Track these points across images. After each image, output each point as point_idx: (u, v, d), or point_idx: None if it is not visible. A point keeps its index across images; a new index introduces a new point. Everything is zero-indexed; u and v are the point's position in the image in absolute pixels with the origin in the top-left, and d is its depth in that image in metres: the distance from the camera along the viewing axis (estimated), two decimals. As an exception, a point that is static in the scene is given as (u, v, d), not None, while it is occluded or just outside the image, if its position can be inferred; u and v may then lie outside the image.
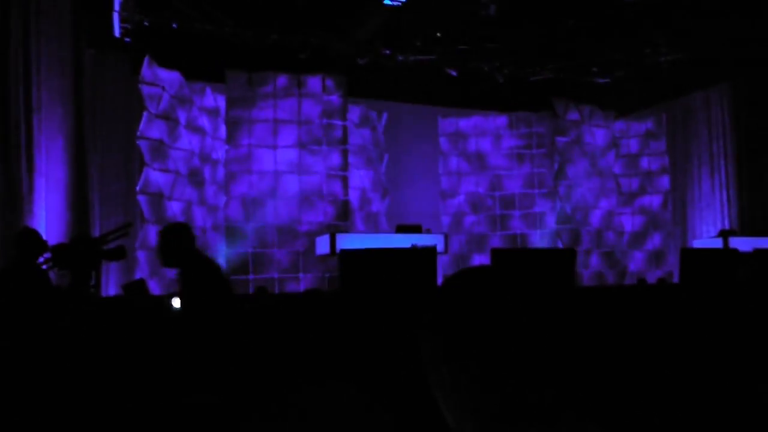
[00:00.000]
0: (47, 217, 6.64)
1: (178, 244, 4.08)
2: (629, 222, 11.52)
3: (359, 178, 10.10)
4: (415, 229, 8.89)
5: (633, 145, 11.70)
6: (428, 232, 9.12)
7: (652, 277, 10.83)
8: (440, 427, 1.03)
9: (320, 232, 8.70)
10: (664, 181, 11.41)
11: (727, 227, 10.66)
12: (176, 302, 6.47)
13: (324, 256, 8.43)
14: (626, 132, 11.76)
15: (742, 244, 8.48)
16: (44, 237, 5.93)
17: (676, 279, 10.08)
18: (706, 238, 10.37)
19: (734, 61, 10.11)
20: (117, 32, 8.38)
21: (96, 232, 7.57)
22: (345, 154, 9.28)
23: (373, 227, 10.08)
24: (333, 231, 8.39)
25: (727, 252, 8.07)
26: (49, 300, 4.10)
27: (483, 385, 0.90)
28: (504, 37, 9.82)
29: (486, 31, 9.65)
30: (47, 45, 6.92)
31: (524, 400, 0.89)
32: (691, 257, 6.97)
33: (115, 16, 8.25)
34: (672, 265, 10.95)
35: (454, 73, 10.71)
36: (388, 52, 10.15)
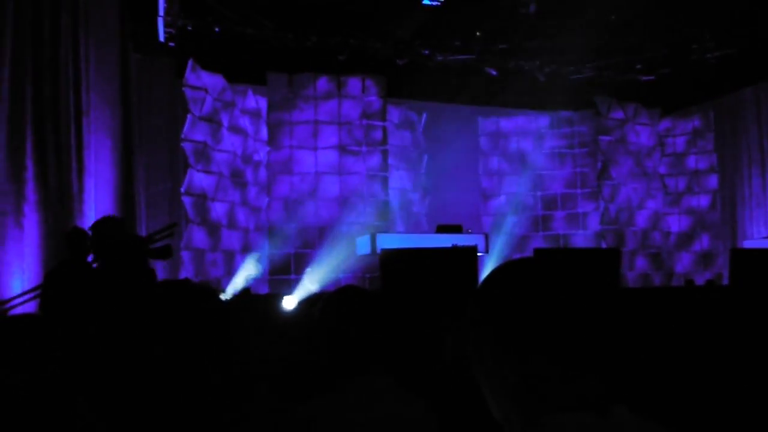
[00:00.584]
0: (96, 216, 6.81)
1: (108, 237, 4.01)
2: (676, 222, 11.25)
3: (399, 178, 10.10)
4: (456, 229, 8.84)
5: (679, 143, 11.43)
6: (469, 232, 9.06)
7: (700, 279, 10.55)
8: (485, 419, 1.02)
9: (361, 233, 8.74)
10: (713, 180, 11.11)
11: (779, 227, 10.32)
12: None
13: (365, 257, 8.45)
14: (672, 130, 11.48)
15: (796, 244, 8.19)
16: (93, 236, 6.10)
17: (725, 281, 9.80)
18: (757, 239, 10.04)
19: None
20: (162, 37, 8.57)
21: (143, 232, 7.74)
22: (385, 154, 9.30)
23: (414, 227, 10.07)
24: (373, 231, 8.41)
25: (780, 252, 7.78)
26: (98, 296, 4.21)
27: (529, 375, 0.89)
28: (544, 35, 9.70)
29: (526, 29, 9.55)
30: (95, 50, 7.12)
31: (570, 391, 0.88)
32: (742, 258, 6.75)
33: (160, 22, 8.43)
34: (721, 267, 10.64)
35: (494, 73, 10.63)
36: (427, 52, 10.12)
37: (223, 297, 7.33)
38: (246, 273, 8.44)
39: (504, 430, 0.94)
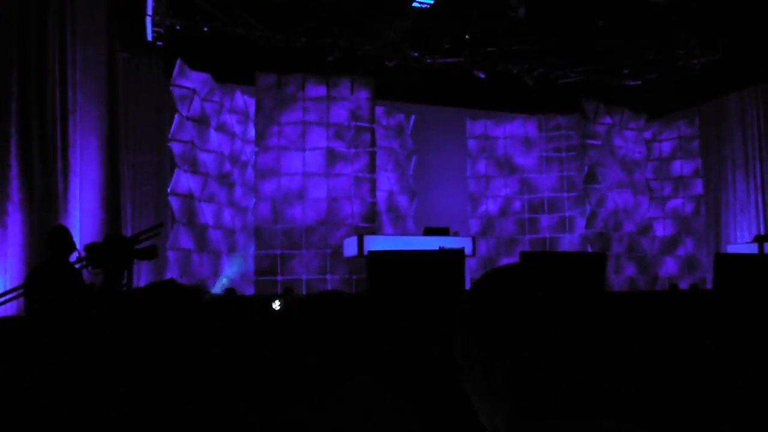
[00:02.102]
0: (82, 216, 6.76)
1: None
2: (661, 227, 11.33)
3: (387, 180, 10.10)
4: (443, 231, 8.86)
5: (665, 148, 11.52)
6: (456, 234, 9.08)
7: (684, 284, 10.63)
8: (472, 425, 1.02)
9: (348, 234, 8.73)
10: (698, 185, 11.20)
11: (762, 232, 10.42)
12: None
13: (352, 258, 8.45)
14: (658, 135, 11.57)
15: (779, 249, 8.28)
16: (79, 236, 6.05)
17: (709, 285, 9.88)
18: (740, 244, 10.15)
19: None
20: (150, 36, 8.52)
21: (128, 232, 7.69)
22: (373, 156, 9.29)
23: (401, 229, 10.08)
24: (361, 233, 8.40)
25: (763, 257, 7.89)
26: (81, 296, 4.18)
27: (516, 383, 0.89)
28: (533, 38, 9.75)
29: (515, 32, 9.59)
30: (82, 49, 7.07)
31: (557, 398, 0.88)
32: (726, 263, 6.82)
33: (148, 21, 8.39)
34: (705, 271, 10.73)
35: (482, 76, 10.66)
36: (416, 54, 10.14)
37: (208, 297, 7.30)
38: (232, 270, 8.41)
39: (491, 437, 0.93)
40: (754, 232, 10.57)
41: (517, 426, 0.88)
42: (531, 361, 0.88)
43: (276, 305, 6.82)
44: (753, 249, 9.08)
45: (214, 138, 8.83)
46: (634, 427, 0.87)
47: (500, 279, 0.97)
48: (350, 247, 8.34)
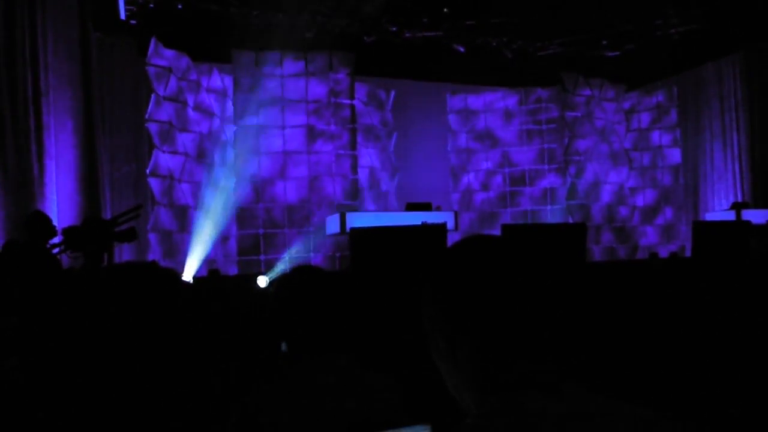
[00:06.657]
0: (59, 200, 6.68)
1: None
2: (641, 196, 11.45)
3: (368, 156, 10.07)
4: (425, 206, 8.87)
5: (644, 118, 11.59)
6: (438, 209, 9.10)
7: (664, 252, 10.78)
8: (446, 395, 1.03)
9: (330, 212, 8.72)
10: (676, 155, 11.31)
11: (740, 200, 10.57)
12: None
13: (334, 235, 8.45)
14: (637, 106, 11.63)
15: (755, 216, 8.41)
16: (56, 220, 5.98)
17: (688, 253, 10.03)
18: (718, 211, 10.29)
19: (745, 32, 9.94)
20: (123, 15, 8.36)
21: (107, 215, 7.62)
22: (353, 133, 9.25)
23: (383, 206, 10.08)
24: (343, 210, 8.40)
25: (740, 224, 8.00)
26: (57, 282, 4.15)
27: (481, 355, 0.90)
28: (511, 11, 9.69)
29: (493, 5, 9.53)
30: (54, 29, 6.92)
31: (522, 370, 0.89)
32: (704, 230, 6.93)
33: (121, -1, 8.22)
34: (684, 239, 10.89)
35: (461, 50, 10.60)
36: (395, 29, 10.05)
37: (190, 279, 7.29)
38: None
39: (459, 404, 0.95)
40: (732, 200, 10.71)
41: (479, 397, 0.89)
42: (491, 334, 0.88)
43: (262, 281, 6.83)
44: (730, 216, 9.21)
45: (193, 117, 8.72)
46: (596, 392, 0.89)
47: (467, 251, 0.97)
48: (332, 225, 8.34)
